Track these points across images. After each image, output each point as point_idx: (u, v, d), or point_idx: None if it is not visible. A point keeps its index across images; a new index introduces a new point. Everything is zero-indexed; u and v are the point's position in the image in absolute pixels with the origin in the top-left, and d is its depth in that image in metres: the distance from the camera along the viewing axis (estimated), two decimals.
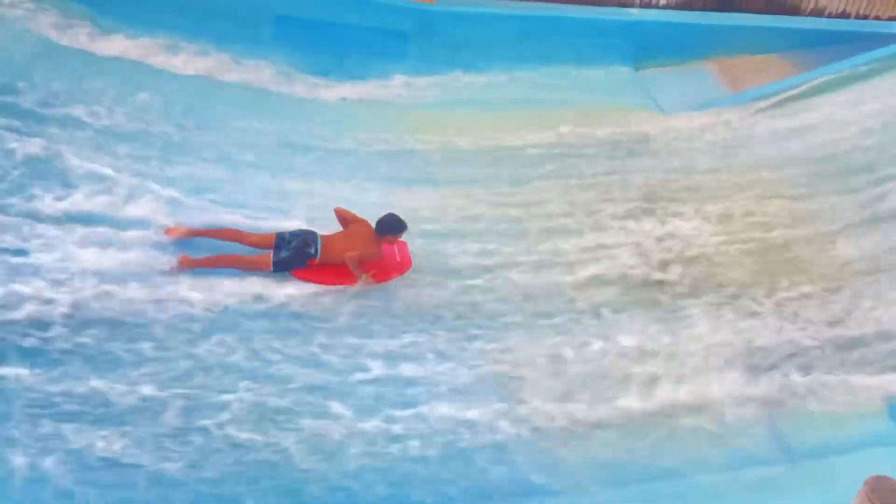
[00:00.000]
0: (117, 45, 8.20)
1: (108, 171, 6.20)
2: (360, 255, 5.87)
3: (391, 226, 5.99)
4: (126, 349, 5.07)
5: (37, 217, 5.69)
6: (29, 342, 4.90)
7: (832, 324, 6.11)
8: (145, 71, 7.95)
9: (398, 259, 6.29)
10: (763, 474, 4.99)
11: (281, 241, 5.86)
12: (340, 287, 5.93)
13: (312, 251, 5.87)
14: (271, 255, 5.80)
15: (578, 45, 9.43)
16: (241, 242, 5.91)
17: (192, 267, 5.67)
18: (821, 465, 5.07)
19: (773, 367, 5.75)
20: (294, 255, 5.83)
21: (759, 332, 5.96)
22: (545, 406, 5.23)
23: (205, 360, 5.14)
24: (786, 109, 8.82)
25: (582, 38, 9.47)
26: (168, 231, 5.86)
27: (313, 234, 5.97)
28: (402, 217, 6.02)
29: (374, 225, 6.02)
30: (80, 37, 8.15)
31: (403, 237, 6.21)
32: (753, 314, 6.17)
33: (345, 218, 6.13)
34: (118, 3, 8.41)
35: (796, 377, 5.65)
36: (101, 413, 4.68)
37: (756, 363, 5.76)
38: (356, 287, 5.94)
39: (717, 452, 5.09)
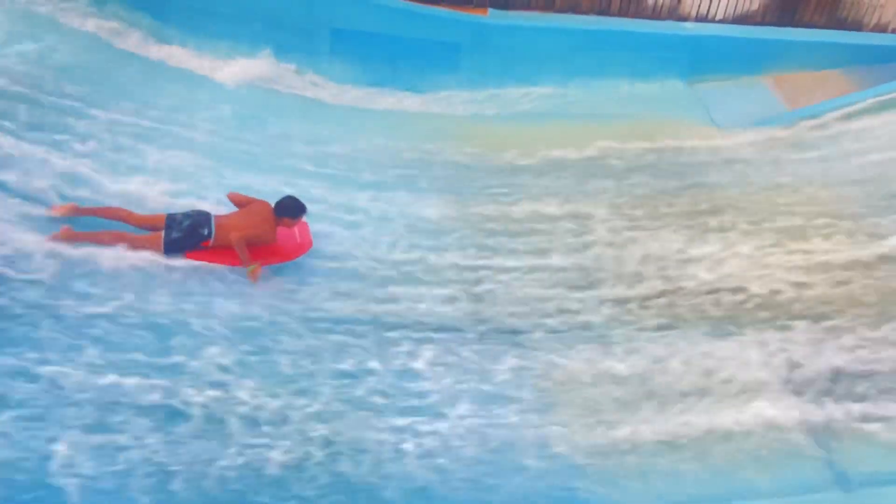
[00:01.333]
0: (173, 52, 8.51)
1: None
2: (248, 236, 5.71)
3: (289, 208, 5.89)
4: None
5: None
6: None
7: (889, 348, 5.94)
8: (202, 81, 8.22)
9: (298, 240, 6.23)
10: (816, 502, 4.89)
11: (172, 221, 5.71)
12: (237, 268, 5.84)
13: (206, 232, 5.72)
14: (162, 235, 5.65)
15: (632, 59, 9.42)
16: (128, 222, 5.76)
17: (75, 239, 5.51)
18: (877, 495, 4.93)
19: (828, 392, 5.61)
20: (186, 235, 5.67)
21: (813, 356, 5.81)
22: (590, 425, 5.21)
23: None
24: (844, 127, 8.63)
25: (636, 52, 9.45)
26: (53, 209, 5.70)
27: (206, 214, 5.84)
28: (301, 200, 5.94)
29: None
30: (139, 43, 8.45)
31: (305, 218, 6.14)
32: (807, 337, 6.04)
33: (239, 202, 5.99)
34: (177, 13, 8.69)
35: (852, 403, 5.50)
36: None
37: (810, 387, 5.63)
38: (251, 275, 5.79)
39: (769, 478, 4.98)
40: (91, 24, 8.20)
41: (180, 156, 6.85)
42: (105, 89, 7.35)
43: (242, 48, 8.67)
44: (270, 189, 6.54)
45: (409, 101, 8.78)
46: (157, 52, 8.41)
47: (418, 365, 5.52)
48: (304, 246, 6.22)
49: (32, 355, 4.82)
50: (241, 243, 5.68)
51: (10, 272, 5.21)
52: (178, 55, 8.55)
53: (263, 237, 5.87)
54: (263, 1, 8.80)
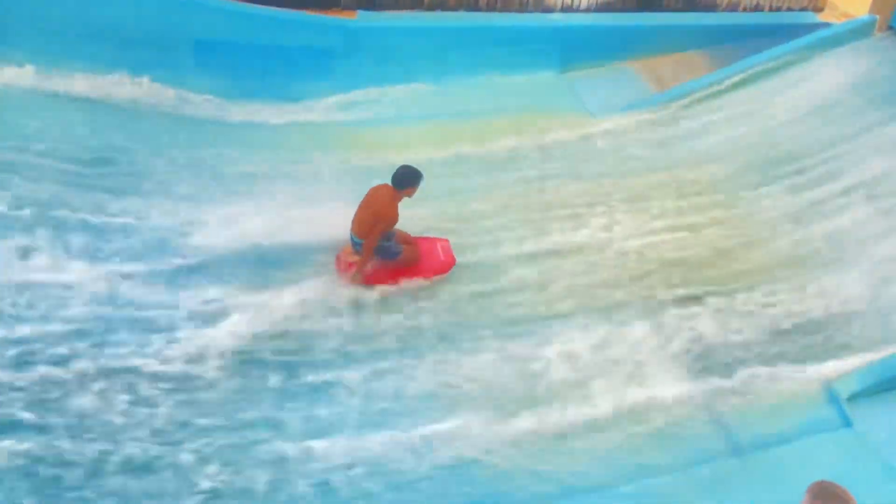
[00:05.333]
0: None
1: None
2: (375, 224, 5.89)
3: (407, 177, 5.92)
4: None
5: None
6: None
7: (768, 316, 6.24)
8: (63, 102, 7.69)
9: (441, 257, 6.38)
10: (714, 471, 5.04)
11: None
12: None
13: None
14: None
15: (504, 53, 9.50)
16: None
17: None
18: (768, 456, 5.15)
19: (713, 362, 5.84)
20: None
21: (696, 329, 6.05)
22: (491, 417, 5.22)
23: None
24: (708, 105, 9.03)
25: (507, 46, 9.53)
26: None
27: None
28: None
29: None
30: None
31: (448, 237, 6.43)
32: (689, 312, 6.26)
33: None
34: (23, 36, 8.10)
35: (736, 370, 5.75)
36: None
37: (696, 359, 5.84)
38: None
39: (666, 453, 5.14)
40: None
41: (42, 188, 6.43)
42: None
43: (97, 67, 8.15)
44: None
45: (281, 111, 8.50)
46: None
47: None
48: (447, 264, 6.32)
49: None
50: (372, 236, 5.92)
51: None
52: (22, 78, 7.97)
53: (388, 219, 5.89)
54: (116, 16, 8.31)
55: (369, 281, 6.14)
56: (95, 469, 4.61)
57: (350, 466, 4.85)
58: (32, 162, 6.82)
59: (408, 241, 6.43)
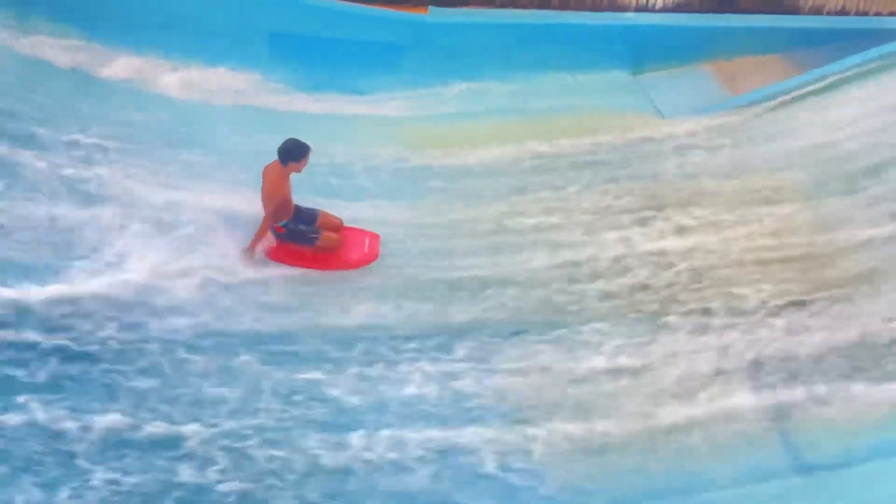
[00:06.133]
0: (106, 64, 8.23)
1: None
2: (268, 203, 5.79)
3: (290, 151, 5.76)
4: None
5: None
6: None
7: (843, 330, 5.98)
8: (137, 92, 7.94)
9: (365, 250, 6.26)
10: (776, 488, 4.88)
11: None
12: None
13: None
14: None
15: (575, 52, 9.35)
16: None
17: None
18: (834, 477, 4.94)
19: (783, 374, 5.63)
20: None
21: (768, 342, 5.85)
22: (548, 424, 5.13)
23: None
24: (786, 111, 8.69)
25: (578, 45, 9.39)
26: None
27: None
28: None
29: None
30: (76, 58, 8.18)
31: (377, 231, 6.26)
32: (761, 321, 6.05)
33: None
34: (111, 25, 8.38)
35: (808, 388, 5.53)
36: None
37: (765, 371, 5.65)
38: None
39: (728, 468, 4.98)
40: (16, 40, 7.91)
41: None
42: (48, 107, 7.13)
43: (175, 57, 8.40)
44: (209, 203, 6.39)
45: (350, 104, 8.58)
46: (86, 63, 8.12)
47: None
48: (367, 258, 6.22)
49: None
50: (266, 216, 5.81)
51: None
52: (110, 67, 8.28)
53: (277, 196, 5.77)
54: (195, 7, 8.54)
55: (273, 256, 6.08)
56: None
57: None
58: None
59: (335, 228, 6.30)
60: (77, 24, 8.35)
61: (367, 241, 6.37)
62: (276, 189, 5.76)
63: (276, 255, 6.12)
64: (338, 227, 6.33)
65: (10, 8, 8.13)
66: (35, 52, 8.00)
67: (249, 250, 6.02)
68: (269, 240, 6.09)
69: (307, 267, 6.11)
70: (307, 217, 6.11)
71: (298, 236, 6.04)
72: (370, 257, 6.28)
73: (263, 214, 5.91)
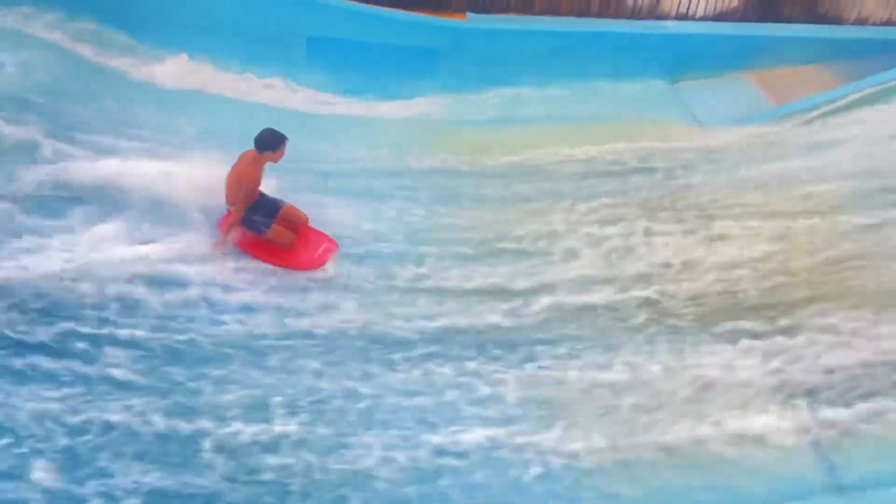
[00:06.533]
0: (150, 67, 8.37)
1: None
2: (234, 189, 5.80)
3: (266, 141, 5.76)
4: None
5: None
6: None
7: (883, 348, 5.83)
8: (179, 94, 8.06)
9: (318, 253, 6.22)
10: None
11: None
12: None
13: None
14: None
15: (613, 60, 9.33)
16: None
17: None
18: (872, 499, 4.82)
19: (822, 390, 5.50)
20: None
21: (806, 357, 5.70)
22: (584, 436, 5.09)
23: None
24: (829, 122, 8.55)
25: (617, 53, 9.36)
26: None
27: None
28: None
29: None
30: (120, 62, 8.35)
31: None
32: (801, 336, 5.92)
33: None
34: (153, 28, 8.55)
35: (847, 402, 5.39)
36: None
37: (804, 389, 5.52)
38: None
39: (763, 485, 4.88)
40: (63, 40, 8.09)
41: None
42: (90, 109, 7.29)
43: (218, 60, 8.53)
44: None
45: (388, 109, 8.62)
46: (126, 65, 8.30)
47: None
48: (316, 262, 6.17)
49: None
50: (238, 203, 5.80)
51: None
52: (152, 69, 8.44)
53: (246, 181, 5.80)
54: (235, 11, 8.66)
55: (242, 246, 6.09)
56: None
57: None
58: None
59: (298, 222, 6.26)
60: (123, 27, 8.60)
61: (323, 246, 6.30)
62: (247, 175, 5.81)
63: (244, 246, 6.16)
64: (303, 222, 6.32)
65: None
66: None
67: (222, 239, 6.06)
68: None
69: (260, 259, 6.14)
70: (269, 207, 6.12)
71: (249, 223, 6.04)
72: (318, 262, 6.19)
73: (224, 199, 5.98)
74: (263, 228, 6.07)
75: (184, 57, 8.52)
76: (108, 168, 6.46)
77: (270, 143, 5.79)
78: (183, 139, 7.19)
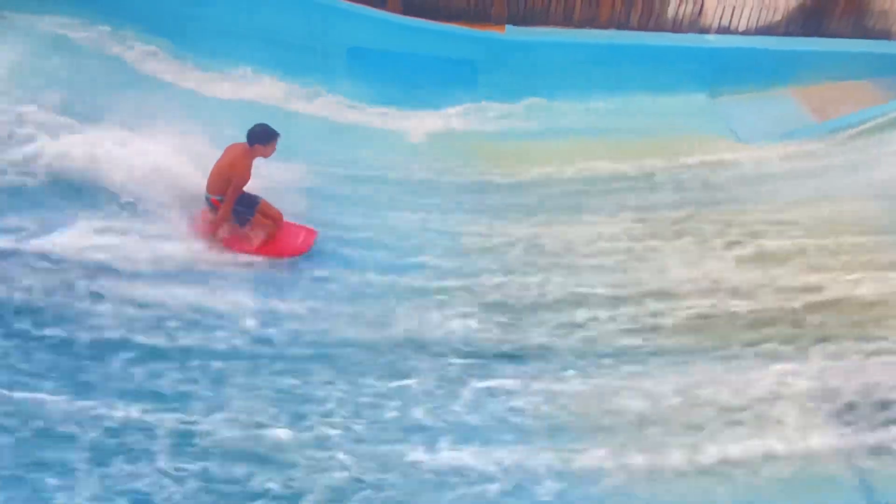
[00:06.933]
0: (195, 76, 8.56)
1: None
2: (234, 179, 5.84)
3: (258, 134, 5.84)
4: None
5: None
6: None
7: None
8: (215, 101, 8.22)
9: (299, 241, 6.37)
10: None
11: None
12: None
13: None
14: None
15: (653, 73, 9.25)
16: None
17: None
18: None
19: (863, 412, 5.37)
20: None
21: (849, 379, 5.56)
22: (619, 450, 5.03)
23: None
24: (871, 139, 8.36)
25: (657, 66, 9.28)
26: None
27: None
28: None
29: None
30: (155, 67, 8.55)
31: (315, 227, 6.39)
32: (841, 357, 5.79)
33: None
34: (191, 36, 8.77)
35: (888, 425, 5.26)
36: None
37: (844, 408, 5.39)
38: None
39: None
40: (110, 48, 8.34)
41: None
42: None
43: (259, 68, 8.68)
44: (295, 210, 6.65)
45: (427, 119, 8.67)
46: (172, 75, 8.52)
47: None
48: (301, 248, 6.35)
49: None
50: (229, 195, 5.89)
51: None
52: (195, 78, 8.63)
53: (237, 172, 5.87)
54: (277, 21, 8.81)
55: (228, 245, 6.14)
56: None
57: None
58: None
59: (273, 218, 6.33)
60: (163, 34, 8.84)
61: (302, 234, 6.48)
62: (237, 167, 5.88)
63: (230, 244, 6.25)
64: (276, 218, 6.41)
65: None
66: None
67: (213, 231, 6.12)
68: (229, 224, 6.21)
69: (244, 251, 6.23)
70: (248, 201, 6.20)
71: (234, 213, 6.12)
72: (303, 248, 6.39)
73: (206, 189, 6.03)
74: (248, 218, 6.20)
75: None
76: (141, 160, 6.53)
77: (262, 136, 5.90)
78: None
